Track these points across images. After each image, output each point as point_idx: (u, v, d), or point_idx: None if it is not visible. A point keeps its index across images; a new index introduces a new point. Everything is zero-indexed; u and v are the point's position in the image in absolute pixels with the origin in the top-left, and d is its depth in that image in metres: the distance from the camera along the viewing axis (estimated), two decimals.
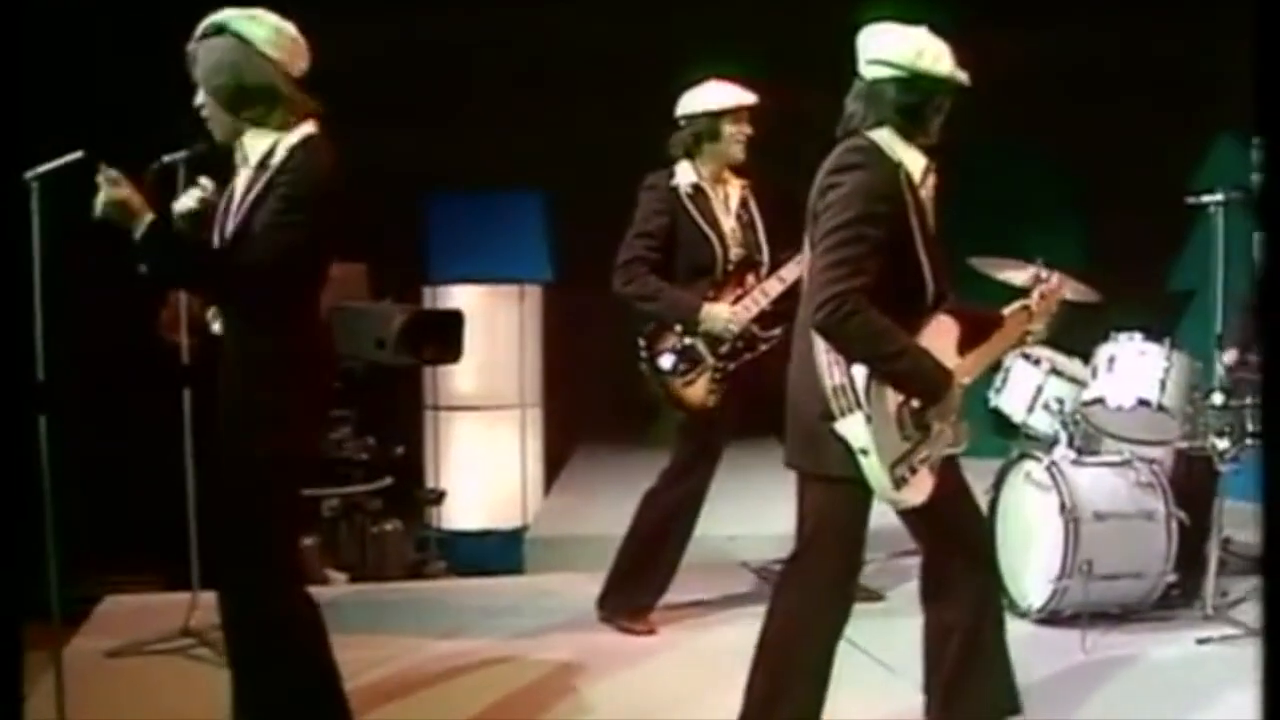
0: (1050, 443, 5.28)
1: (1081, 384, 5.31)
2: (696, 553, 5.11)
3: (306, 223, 3.26)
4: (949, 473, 3.47)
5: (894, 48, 3.35)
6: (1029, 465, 5.14)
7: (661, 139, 4.95)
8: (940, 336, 3.44)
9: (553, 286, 8.31)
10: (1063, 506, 4.91)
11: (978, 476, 4.47)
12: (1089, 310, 5.09)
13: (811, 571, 3.50)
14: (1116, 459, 5.19)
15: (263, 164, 3.33)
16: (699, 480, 4.93)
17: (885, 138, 3.36)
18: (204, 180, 3.54)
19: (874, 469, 3.27)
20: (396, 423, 7.50)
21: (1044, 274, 3.88)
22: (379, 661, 4.52)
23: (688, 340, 4.84)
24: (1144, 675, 4.50)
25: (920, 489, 3.36)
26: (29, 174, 3.59)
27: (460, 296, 7.90)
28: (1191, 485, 5.25)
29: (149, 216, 3.24)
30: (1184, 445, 5.26)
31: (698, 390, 4.84)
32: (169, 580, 5.50)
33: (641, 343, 4.89)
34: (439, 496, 7.82)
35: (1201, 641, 4.73)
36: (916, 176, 3.37)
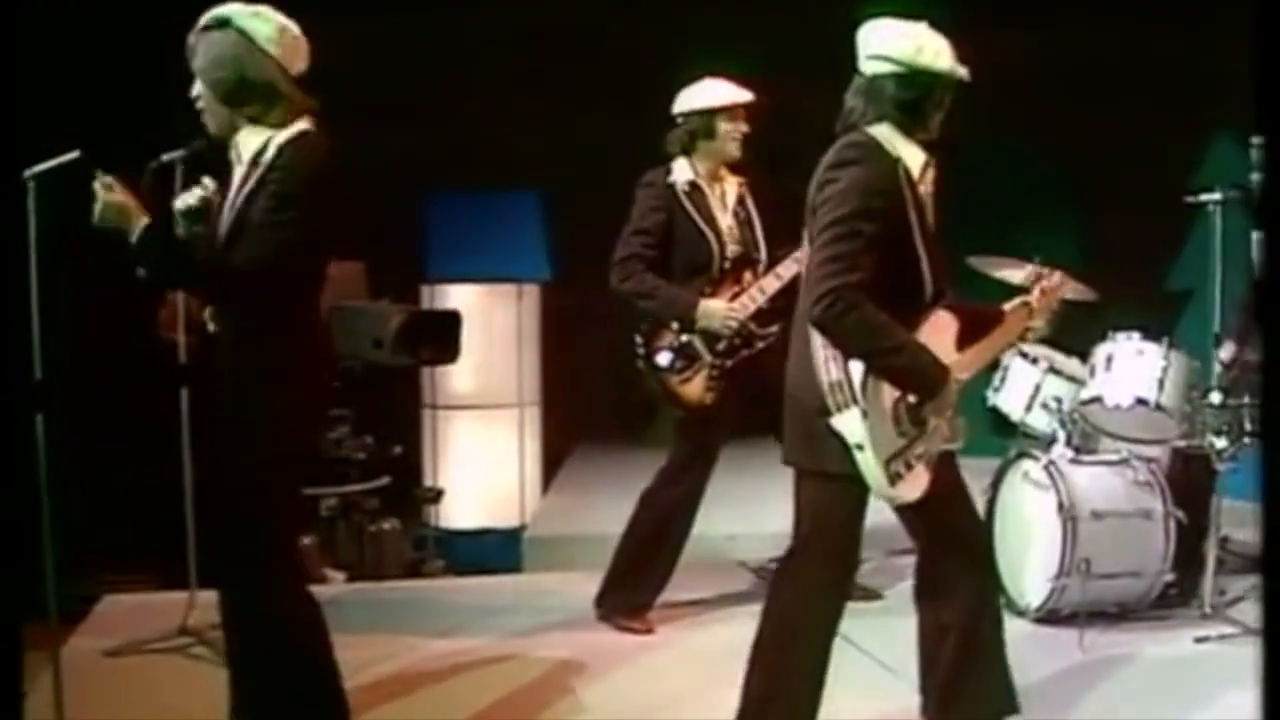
0: (1048, 441, 5.28)
1: (1080, 383, 5.31)
2: (695, 552, 5.11)
3: (298, 220, 3.26)
4: (945, 469, 3.47)
5: (894, 43, 3.35)
6: (1027, 464, 5.15)
7: (660, 138, 4.95)
8: (939, 332, 3.44)
9: (551, 286, 8.31)
10: (1061, 505, 4.92)
11: (976, 475, 4.47)
12: (1087, 309, 5.09)
13: (807, 569, 3.50)
14: (1114, 458, 5.19)
15: (255, 161, 3.33)
16: (697, 479, 4.93)
17: (884, 133, 3.36)
18: (206, 179, 3.54)
19: (869, 465, 3.27)
20: (395, 422, 7.49)
21: (1045, 270, 3.88)
22: (377, 660, 4.52)
23: (685, 337, 4.84)
24: (1142, 674, 4.50)
25: (916, 485, 3.36)
26: (26, 173, 3.59)
27: (458, 295, 7.90)
28: (1189, 484, 5.25)
29: (144, 220, 3.25)
30: (1182, 444, 5.26)
31: (695, 388, 4.84)
32: (167, 579, 5.49)
33: (638, 340, 4.89)
34: (437, 495, 7.82)
35: (1199, 640, 4.73)
36: (915, 172, 3.37)
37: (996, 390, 5.62)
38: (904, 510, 3.51)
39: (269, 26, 3.36)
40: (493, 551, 7.56)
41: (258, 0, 3.40)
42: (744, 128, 4.91)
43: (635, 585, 4.99)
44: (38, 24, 4.12)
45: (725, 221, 4.93)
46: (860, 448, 3.26)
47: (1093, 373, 5.21)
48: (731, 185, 5.00)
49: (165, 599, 5.18)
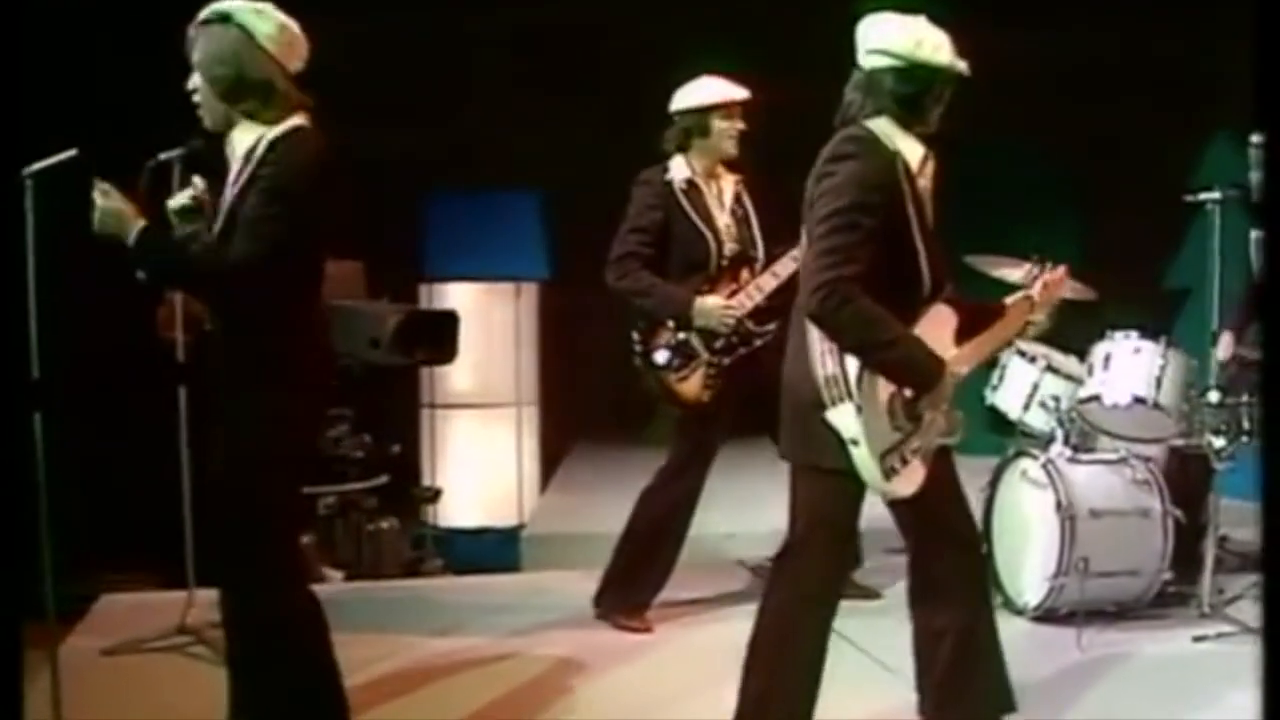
0: (1046, 440, 5.28)
1: (1078, 382, 5.31)
2: (693, 551, 5.11)
3: (287, 214, 3.25)
4: (941, 465, 3.46)
5: (892, 37, 3.35)
6: (1025, 463, 5.15)
7: (659, 138, 4.95)
8: (937, 326, 3.43)
9: (549, 284, 8.32)
10: (1059, 504, 4.92)
11: (974, 474, 4.48)
12: (1085, 308, 5.10)
13: (803, 565, 3.50)
14: (1112, 456, 5.19)
15: (248, 157, 3.34)
16: (695, 479, 4.93)
17: (883, 127, 3.36)
18: (197, 179, 3.53)
19: (864, 459, 3.26)
20: (393, 420, 7.49)
21: (1048, 265, 3.86)
22: (375, 659, 4.52)
23: (682, 336, 4.83)
24: (1140, 673, 4.50)
25: (911, 480, 3.36)
26: (24, 171, 3.59)
27: (457, 294, 7.91)
28: (1187, 483, 5.26)
29: (140, 223, 3.26)
30: (1180, 443, 5.26)
31: (692, 385, 4.84)
32: (165, 578, 5.49)
33: (636, 338, 4.89)
34: (435, 494, 7.83)
35: (1198, 639, 4.73)
36: (914, 165, 3.37)
37: (994, 389, 5.62)
38: (897, 506, 3.49)
39: (270, 24, 3.36)
40: (491, 550, 7.58)
41: None
42: (739, 125, 4.91)
43: (634, 584, 4.99)
44: (36, 23, 4.12)
45: (722, 220, 4.93)
46: (855, 442, 3.25)
47: (1091, 371, 5.21)
48: (729, 183, 5.00)
49: (163, 598, 5.17)
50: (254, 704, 3.56)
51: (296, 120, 3.36)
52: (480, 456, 8.15)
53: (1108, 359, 5.15)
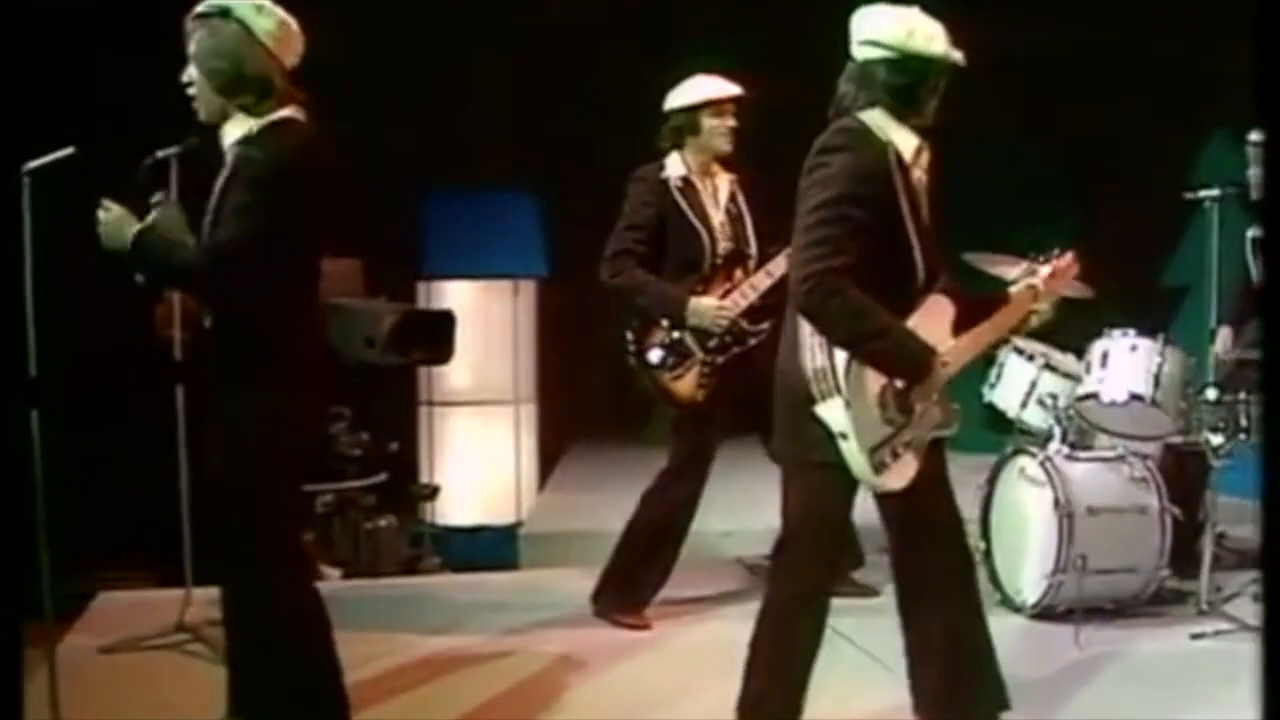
0: (1044, 438, 5.28)
1: (1075, 379, 5.31)
2: (691, 548, 5.10)
3: (269, 203, 3.25)
4: (932, 460, 3.44)
5: (885, 28, 3.33)
6: (1023, 461, 5.15)
7: (657, 136, 4.95)
8: (934, 317, 3.42)
9: (547, 283, 8.32)
10: (1057, 502, 4.92)
11: (971, 471, 4.49)
12: (1083, 306, 5.10)
13: (798, 559, 3.49)
14: (1110, 454, 5.20)
15: (235, 148, 3.36)
16: (695, 480, 4.91)
17: (876, 119, 3.34)
18: (157, 195, 3.52)
19: (853, 454, 3.25)
20: (391, 418, 7.49)
21: (1055, 253, 3.82)
22: (374, 657, 4.51)
23: (675, 334, 4.83)
24: (1138, 670, 4.50)
25: (902, 474, 3.34)
26: (21, 169, 3.58)
27: (455, 292, 7.91)
28: (1184, 480, 5.26)
29: (135, 228, 3.29)
30: (1178, 440, 5.26)
31: (686, 384, 4.83)
32: (163, 576, 5.49)
33: (629, 337, 4.88)
34: (433, 492, 7.82)
35: (1195, 636, 4.73)
36: (907, 157, 3.35)
37: (992, 386, 5.62)
38: (884, 499, 3.48)
39: (269, 20, 3.38)
40: (489, 548, 7.57)
41: None
42: (730, 122, 4.90)
43: (633, 584, 4.99)
44: (35, 21, 4.11)
45: (717, 217, 4.93)
46: (844, 437, 3.24)
47: (1088, 369, 5.21)
48: (724, 181, 5.00)
49: (161, 596, 5.17)
50: (255, 702, 3.56)
51: (288, 112, 3.37)
52: (478, 454, 8.15)
53: (1105, 356, 5.16)
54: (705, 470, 4.93)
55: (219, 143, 3.44)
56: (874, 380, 3.28)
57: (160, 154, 3.88)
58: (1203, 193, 5.07)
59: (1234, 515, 5.23)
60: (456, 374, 7.80)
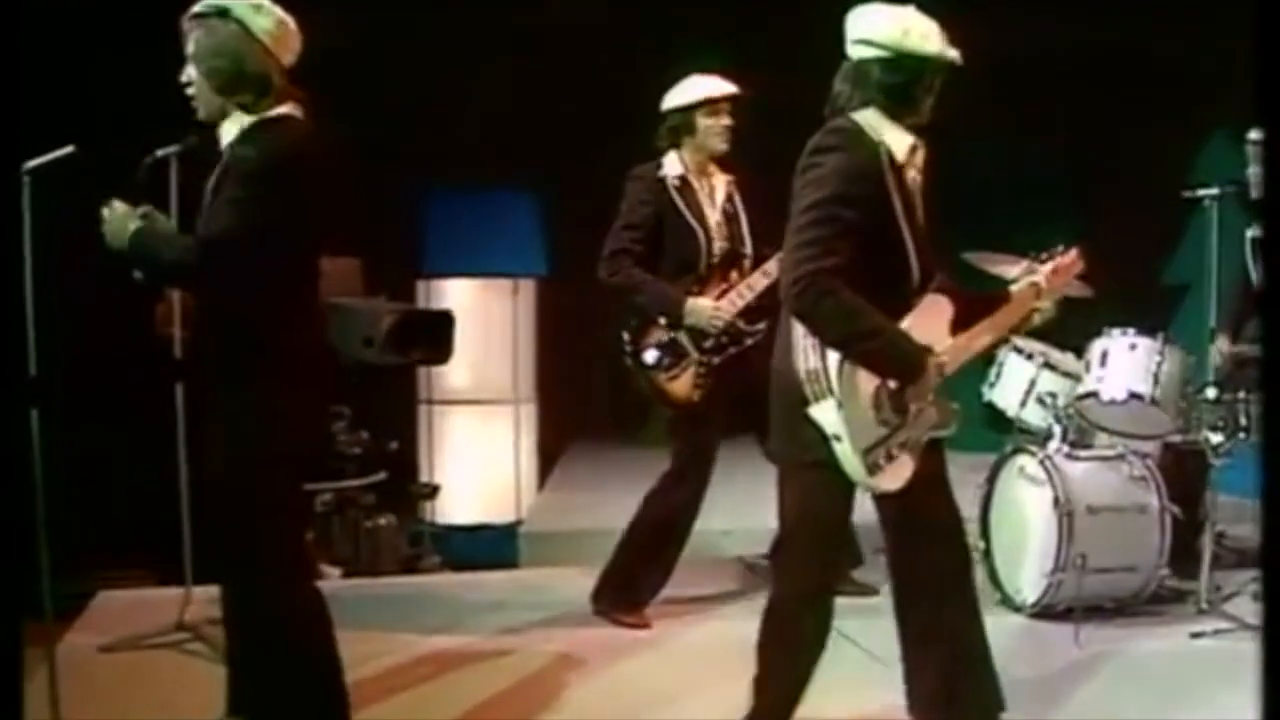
0: (1044, 437, 5.28)
1: (1075, 378, 5.32)
2: (691, 547, 5.10)
3: (259, 197, 3.25)
4: (930, 460, 3.42)
5: (879, 27, 3.31)
6: (1022, 459, 5.15)
7: (656, 136, 4.95)
8: (932, 316, 3.41)
9: (547, 281, 8.32)
10: (1056, 500, 4.92)
11: (971, 471, 4.49)
12: (1083, 305, 5.10)
13: (795, 560, 3.49)
14: (1110, 453, 5.20)
15: (231, 146, 3.37)
16: (697, 482, 4.90)
17: (869, 118, 3.33)
18: (141, 210, 3.52)
19: (847, 455, 3.24)
20: (391, 417, 7.49)
21: (1059, 250, 3.79)
22: (373, 656, 4.51)
23: (671, 334, 4.83)
24: (1137, 669, 4.50)
25: (898, 474, 3.33)
26: (21, 168, 3.59)
27: (454, 290, 7.92)
28: (1184, 479, 5.26)
29: (134, 226, 3.30)
30: (1177, 439, 5.27)
31: (682, 385, 4.83)
32: (163, 575, 5.50)
33: (626, 337, 4.88)
34: (433, 491, 7.83)
35: (1195, 636, 4.74)
36: (901, 157, 3.32)
37: (992, 385, 5.62)
38: (882, 499, 3.46)
39: (267, 19, 3.39)
40: (488, 547, 7.57)
41: None
42: (725, 121, 4.90)
43: (633, 584, 4.99)
44: (35, 21, 4.11)
45: (714, 217, 4.92)
46: (837, 438, 3.23)
47: (1088, 368, 5.21)
48: (720, 182, 5.00)
49: (161, 594, 5.18)
50: (255, 701, 3.56)
51: (284, 109, 3.38)
52: (478, 453, 8.15)
53: (1105, 355, 5.16)
54: (707, 473, 4.92)
55: (218, 142, 3.45)
56: (868, 381, 3.27)
57: (160, 153, 3.88)
58: (1202, 191, 5.07)
59: (1233, 514, 5.23)
60: (456, 373, 7.80)
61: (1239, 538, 5.53)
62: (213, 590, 3.75)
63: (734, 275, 4.91)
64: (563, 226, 7.95)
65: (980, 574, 4.60)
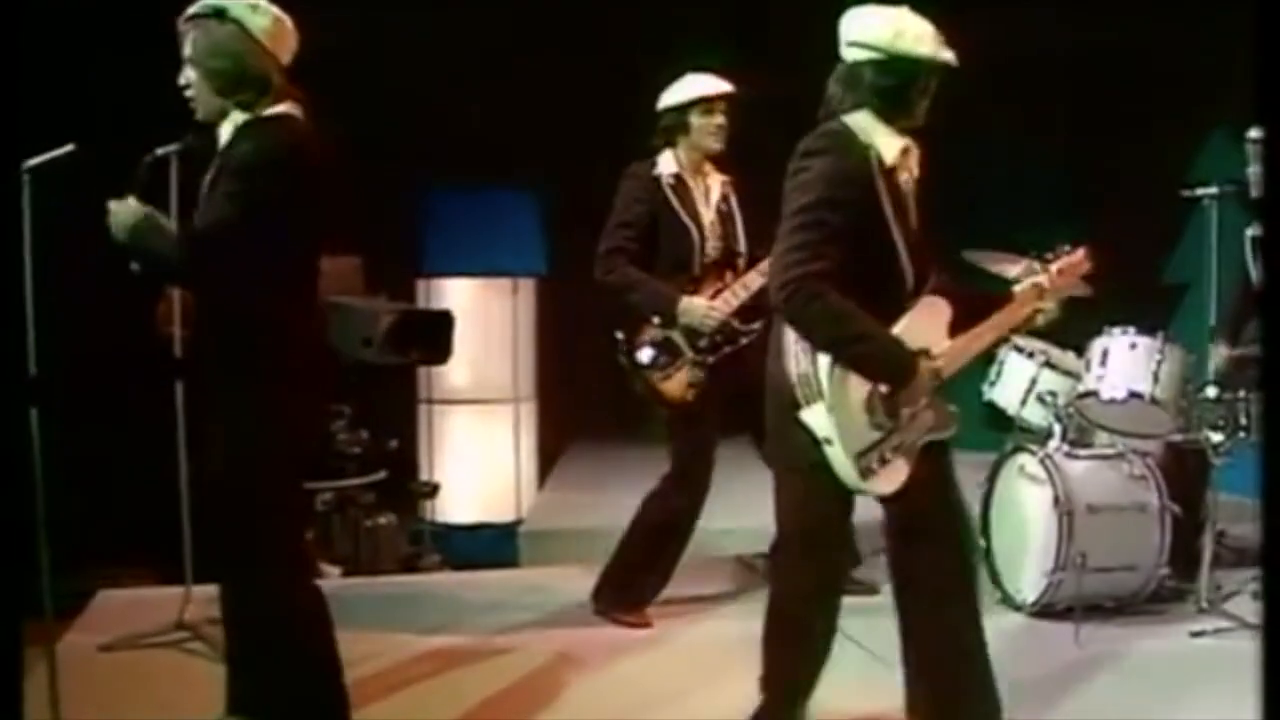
0: (1044, 436, 5.28)
1: (1075, 377, 5.32)
2: (691, 547, 5.10)
3: (251, 192, 3.26)
4: (932, 460, 3.41)
5: (872, 29, 3.30)
6: (1023, 458, 5.15)
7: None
8: (929, 319, 3.40)
9: (546, 280, 8.31)
10: (1056, 499, 4.92)
11: (971, 470, 4.48)
12: (1083, 304, 5.10)
13: (791, 564, 3.48)
14: (1110, 452, 5.20)
15: (227, 144, 3.39)
16: (698, 486, 4.88)
17: (860, 121, 3.31)
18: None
19: (839, 459, 3.23)
20: (390, 416, 7.48)
21: (1064, 249, 3.77)
22: (373, 655, 4.51)
23: (665, 333, 4.82)
24: (1138, 668, 4.50)
25: (892, 479, 3.32)
26: (21, 167, 3.59)
27: (454, 290, 7.92)
28: (1184, 478, 5.26)
29: (135, 218, 3.30)
30: (1177, 438, 5.26)
31: (676, 384, 4.81)
32: (163, 574, 5.49)
33: (620, 336, 4.87)
34: (433, 490, 7.82)
35: (1195, 635, 4.74)
36: (890, 160, 3.31)
37: (992, 384, 5.62)
38: (886, 500, 3.44)
39: (265, 18, 3.40)
40: (488, 546, 7.57)
41: None
42: (719, 120, 4.88)
43: (633, 584, 4.99)
44: (35, 20, 4.12)
45: (708, 216, 4.91)
46: (829, 442, 3.22)
47: (1088, 367, 5.21)
48: (715, 182, 4.99)
49: (161, 594, 5.18)
50: (255, 700, 3.56)
51: (282, 108, 3.39)
52: (478, 452, 8.15)
53: (1105, 354, 5.16)
54: (707, 475, 4.90)
55: (218, 141, 3.45)
56: (860, 385, 3.26)
57: (160, 151, 3.88)
58: (1201, 190, 5.07)
59: (1234, 513, 5.23)
60: (456, 372, 7.80)
61: (1239, 537, 5.52)
62: (213, 589, 3.75)
63: (728, 275, 4.89)
64: (563, 226, 7.94)
65: (980, 573, 4.59)
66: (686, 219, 4.86)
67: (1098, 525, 4.93)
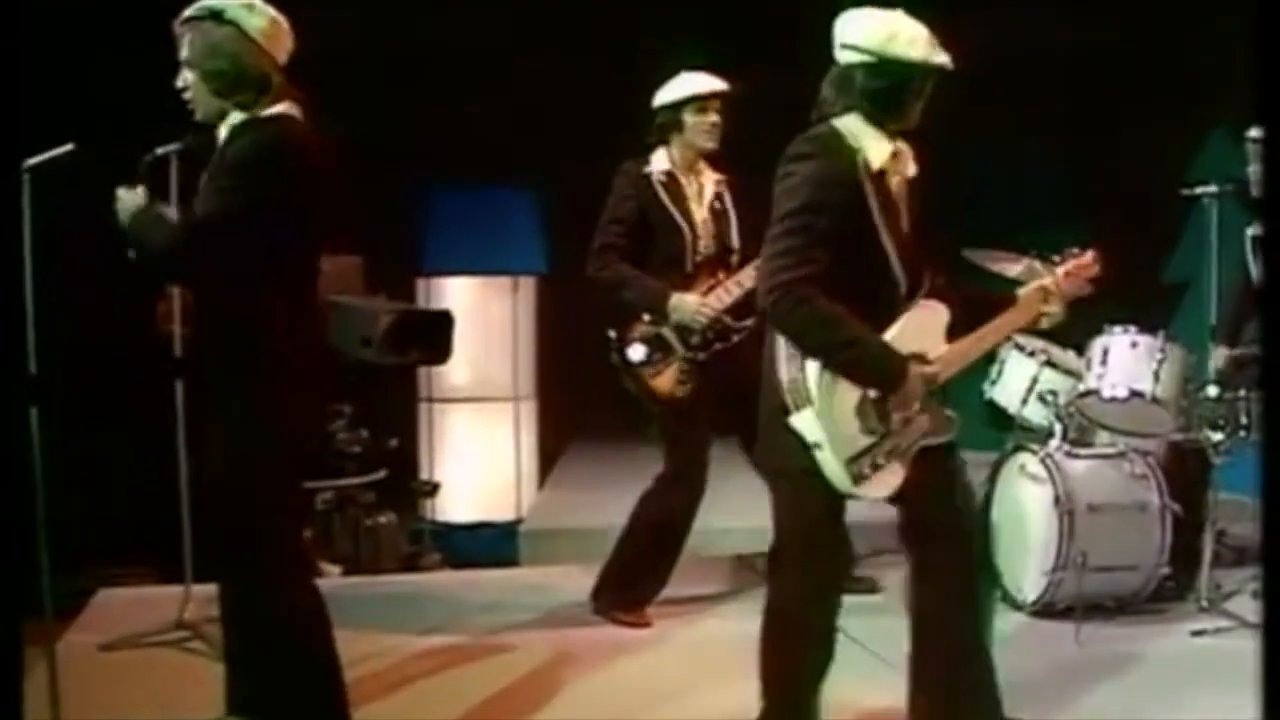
0: (1045, 435, 5.28)
1: (1076, 376, 5.31)
2: (691, 546, 5.09)
3: (242, 186, 3.27)
4: (934, 462, 3.39)
5: (864, 32, 3.28)
6: (1023, 457, 5.15)
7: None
8: (924, 323, 3.39)
9: (547, 279, 8.31)
10: (1057, 499, 4.92)
11: (972, 469, 4.46)
12: (1083, 303, 5.09)
13: (788, 568, 3.47)
14: (1111, 451, 5.20)
15: (224, 142, 3.40)
16: (694, 485, 4.87)
17: (850, 125, 3.30)
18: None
19: (829, 464, 3.23)
20: (391, 415, 7.49)
21: (1073, 251, 3.74)
22: (373, 654, 4.51)
23: (656, 330, 4.81)
24: (1138, 668, 4.50)
25: (884, 483, 3.31)
26: (21, 166, 3.59)
27: (454, 289, 7.92)
28: (1185, 477, 5.25)
29: (138, 205, 3.36)
30: (1178, 437, 5.26)
31: (666, 380, 4.80)
32: (163, 573, 5.49)
33: (612, 334, 4.87)
34: (433, 489, 7.83)
35: (1196, 634, 4.74)
36: (878, 164, 3.29)
37: (993, 383, 5.61)
38: (890, 501, 3.44)
39: (262, 19, 3.41)
40: (489, 545, 7.57)
41: None
42: (713, 118, 4.87)
43: (632, 584, 4.98)
44: (35, 20, 4.12)
45: (700, 214, 4.90)
46: (819, 447, 3.21)
47: (1089, 365, 5.21)
48: (709, 180, 4.97)
49: (161, 593, 5.18)
50: (254, 699, 3.56)
51: (281, 108, 3.39)
52: (478, 451, 8.15)
53: (1106, 353, 5.15)
54: (702, 474, 4.88)
55: (218, 141, 3.46)
56: (849, 390, 3.25)
57: (160, 150, 3.88)
58: (1201, 189, 5.06)
59: (1234, 512, 5.23)
60: (456, 371, 7.81)
61: (1239, 536, 5.52)
62: (213, 589, 3.75)
63: (721, 273, 4.87)
64: (563, 225, 7.93)
65: (993, 575, 4.58)
66: (678, 216, 4.85)
67: (1098, 524, 4.93)
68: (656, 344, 4.80)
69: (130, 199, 3.37)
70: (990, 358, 5.51)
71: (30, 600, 3.47)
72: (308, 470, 3.90)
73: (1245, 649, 4.35)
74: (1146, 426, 5.22)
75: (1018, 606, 5.01)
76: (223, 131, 3.42)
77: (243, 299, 3.33)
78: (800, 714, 3.47)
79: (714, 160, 4.99)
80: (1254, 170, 5.07)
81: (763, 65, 5.32)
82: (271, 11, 3.42)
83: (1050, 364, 5.43)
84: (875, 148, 3.30)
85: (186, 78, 3.43)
